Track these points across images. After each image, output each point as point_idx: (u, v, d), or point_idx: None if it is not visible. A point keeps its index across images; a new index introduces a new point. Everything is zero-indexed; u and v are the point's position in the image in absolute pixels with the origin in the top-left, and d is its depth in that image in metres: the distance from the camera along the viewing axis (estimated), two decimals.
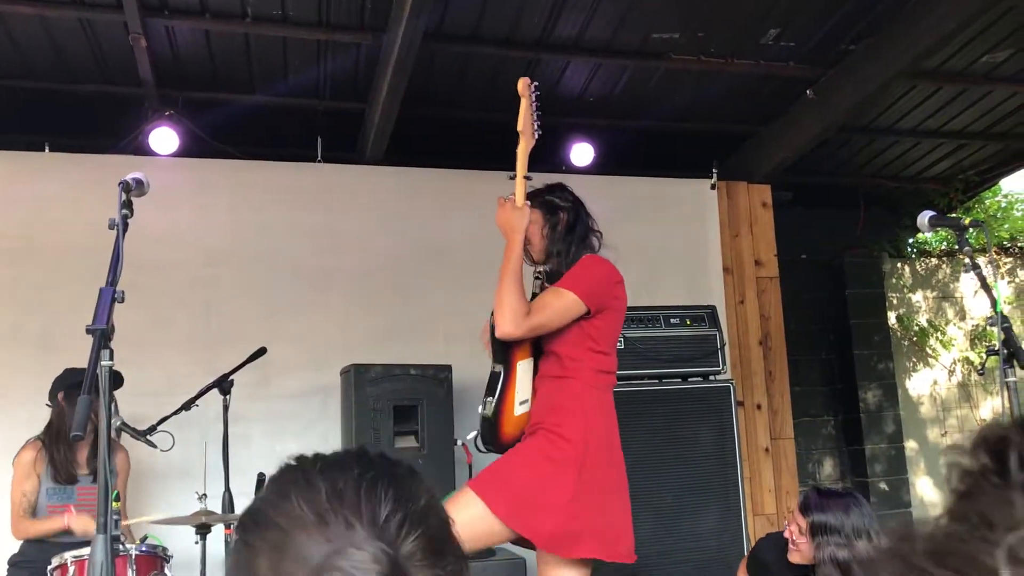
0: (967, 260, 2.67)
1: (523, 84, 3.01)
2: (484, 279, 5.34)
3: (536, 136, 2.99)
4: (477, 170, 5.55)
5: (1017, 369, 2.54)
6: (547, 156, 5.66)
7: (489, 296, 5.28)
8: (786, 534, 3.00)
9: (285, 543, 0.80)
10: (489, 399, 2.87)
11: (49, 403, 4.19)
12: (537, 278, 3.09)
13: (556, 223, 3.05)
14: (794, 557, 2.98)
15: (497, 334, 2.86)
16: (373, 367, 4.52)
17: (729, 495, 4.29)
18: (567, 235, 3.05)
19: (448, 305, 5.17)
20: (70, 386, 4.09)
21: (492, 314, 2.92)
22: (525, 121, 2.99)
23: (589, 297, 2.89)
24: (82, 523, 3.95)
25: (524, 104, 3.00)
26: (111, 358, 1.97)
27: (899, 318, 6.90)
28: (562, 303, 2.88)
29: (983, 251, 5.22)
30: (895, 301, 6.96)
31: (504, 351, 2.94)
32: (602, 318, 2.95)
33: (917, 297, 7.02)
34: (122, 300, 2.06)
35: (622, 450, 2.84)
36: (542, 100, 5.59)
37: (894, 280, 6.99)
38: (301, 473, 0.85)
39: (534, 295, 3.01)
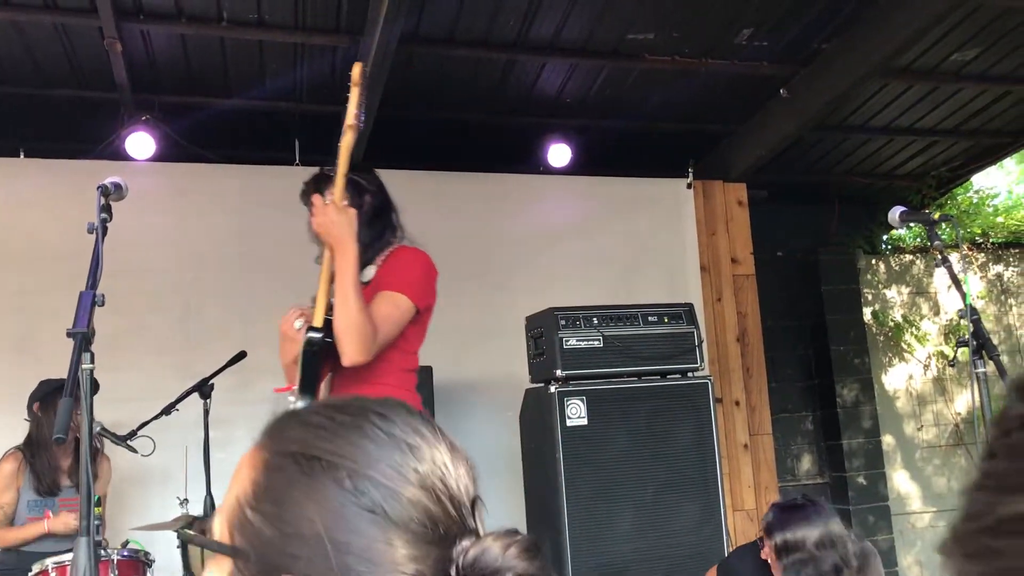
0: (938, 255, 2.72)
1: (358, 71, 2.60)
2: (464, 281, 5.39)
3: (360, 127, 2.63)
4: (456, 171, 5.58)
5: (987, 360, 2.59)
6: (525, 157, 5.70)
7: (470, 299, 5.32)
8: (763, 555, 2.94)
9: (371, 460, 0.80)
10: None
11: (27, 417, 4.17)
12: None
13: (361, 205, 2.74)
14: None
15: (345, 362, 2.53)
16: None
17: (709, 491, 4.33)
18: (373, 221, 2.77)
19: None
20: (45, 395, 4.08)
21: (316, 335, 2.56)
22: (356, 112, 2.61)
23: (420, 298, 2.69)
24: (62, 521, 3.94)
25: (356, 93, 2.60)
26: (92, 361, 1.98)
27: (874, 314, 6.98)
28: (400, 312, 2.64)
29: (955, 246, 5.29)
30: (870, 297, 7.04)
31: (316, 376, 2.59)
32: (423, 317, 2.76)
33: (891, 293, 7.11)
34: (102, 304, 2.06)
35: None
36: (520, 100, 5.61)
37: (869, 276, 7.07)
38: (359, 410, 0.85)
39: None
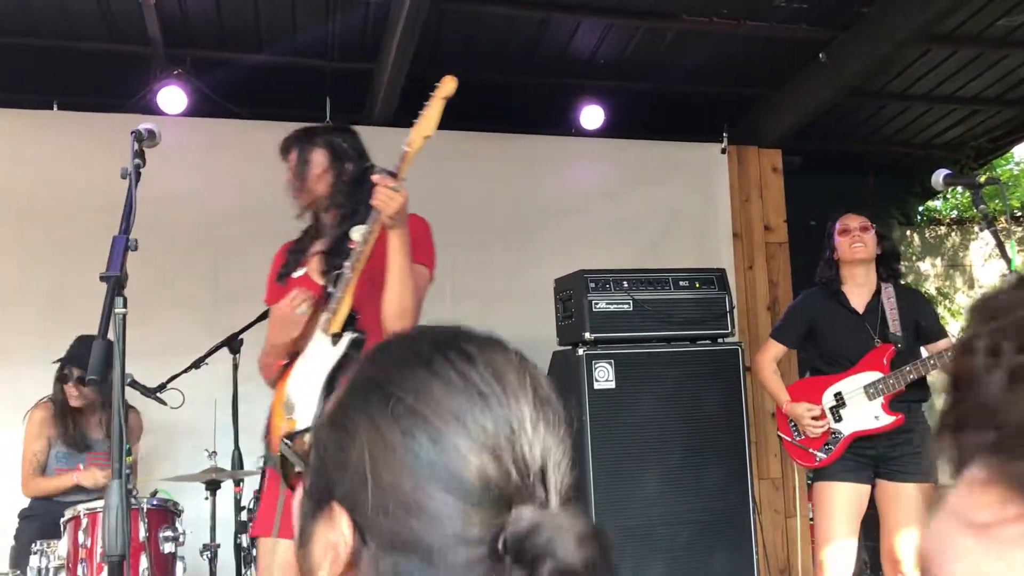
0: (982, 219, 2.65)
1: (454, 84, 2.74)
2: (494, 243, 5.37)
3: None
4: (487, 132, 5.53)
5: None
6: (557, 119, 5.64)
7: (499, 261, 5.30)
8: None
9: (442, 415, 0.74)
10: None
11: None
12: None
13: (341, 173, 2.79)
14: None
15: None
16: None
17: (735, 457, 4.30)
18: (354, 189, 2.77)
19: (455, 265, 5.15)
20: (65, 362, 4.12)
21: (358, 328, 2.55)
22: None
23: (434, 267, 2.74)
24: (92, 476, 3.99)
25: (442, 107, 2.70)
26: (124, 306, 1.97)
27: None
28: (426, 285, 2.68)
29: (996, 216, 5.20)
30: (903, 269, 6.91)
31: None
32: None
33: (925, 265, 7.01)
34: (135, 248, 2.05)
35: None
36: (554, 61, 5.51)
37: (903, 248, 6.96)
38: (443, 344, 0.79)
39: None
